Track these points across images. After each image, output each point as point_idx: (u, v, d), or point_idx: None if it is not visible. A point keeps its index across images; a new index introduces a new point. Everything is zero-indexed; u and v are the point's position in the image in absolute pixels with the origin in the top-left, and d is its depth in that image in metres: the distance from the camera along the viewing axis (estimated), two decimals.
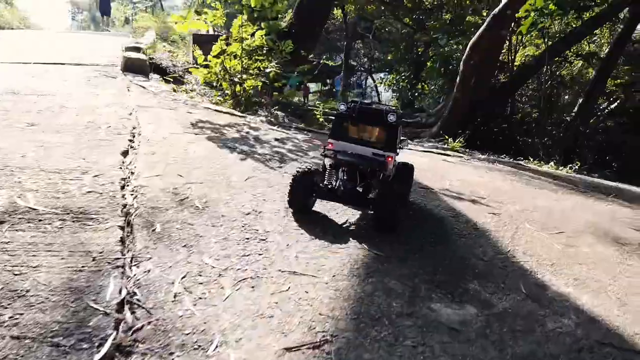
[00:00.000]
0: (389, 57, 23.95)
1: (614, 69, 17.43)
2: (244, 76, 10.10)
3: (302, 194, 3.88)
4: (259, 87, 10.81)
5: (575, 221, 5.44)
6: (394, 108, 4.28)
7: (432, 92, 21.01)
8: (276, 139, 7.29)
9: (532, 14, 14.00)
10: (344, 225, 4.00)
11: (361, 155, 3.81)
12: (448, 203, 5.29)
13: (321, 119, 14.83)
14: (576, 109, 16.51)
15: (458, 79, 14.93)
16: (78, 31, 38.41)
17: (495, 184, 6.92)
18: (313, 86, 38.93)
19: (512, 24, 15.33)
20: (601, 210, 6.28)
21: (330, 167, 4.00)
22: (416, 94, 21.74)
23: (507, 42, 17.13)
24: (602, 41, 21.34)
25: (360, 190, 3.95)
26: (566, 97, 21.14)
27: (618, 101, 17.81)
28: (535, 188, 7.15)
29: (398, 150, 4.04)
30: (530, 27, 14.00)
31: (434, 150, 9.78)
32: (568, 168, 11.37)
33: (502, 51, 15.86)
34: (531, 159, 12.46)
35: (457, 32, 16.72)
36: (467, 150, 13.44)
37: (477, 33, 14.02)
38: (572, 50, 17.43)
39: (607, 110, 17.52)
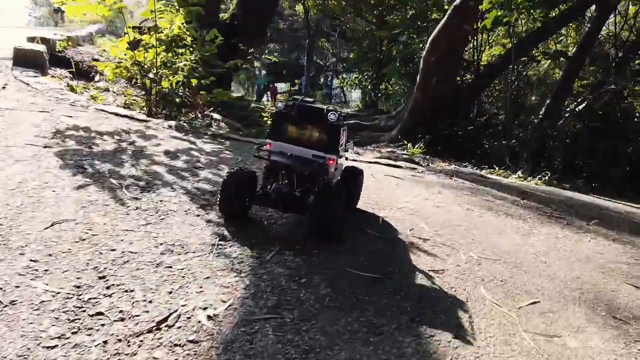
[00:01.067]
0: (351, 56, 22.16)
1: (581, 69, 15.99)
2: (160, 72, 8.14)
3: (234, 199, 3.46)
4: (190, 85, 8.92)
5: (554, 277, 3.72)
6: (335, 107, 4.05)
7: (396, 93, 19.30)
8: (167, 153, 5.42)
9: (496, 9, 12.43)
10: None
11: (299, 157, 3.49)
12: (374, 252, 3.51)
13: (269, 122, 13.03)
14: (543, 110, 14.95)
15: (418, 77, 13.25)
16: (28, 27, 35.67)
17: (447, 212, 5.21)
18: (283, 86, 37.07)
19: (477, 18, 13.70)
20: (585, 251, 4.59)
21: (266, 170, 3.65)
22: (379, 95, 19.99)
23: (474, 40, 15.49)
24: (569, 41, 19.92)
25: (298, 195, 3.52)
26: (533, 97, 19.65)
27: (585, 102, 16.33)
28: (499, 215, 5.45)
29: (342, 153, 3.80)
30: (495, 21, 12.40)
31: (382, 161, 7.98)
32: (537, 179, 9.70)
33: (466, 49, 14.22)
34: (496, 168, 10.79)
35: (419, 28, 15.00)
36: (427, 157, 11.75)
37: (438, 26, 12.32)
38: (539, 49, 15.88)
39: (574, 112, 16.00)
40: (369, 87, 19.71)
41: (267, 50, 41.60)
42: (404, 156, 11.87)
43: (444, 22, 12.13)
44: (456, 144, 13.53)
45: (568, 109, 15.42)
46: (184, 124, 7.46)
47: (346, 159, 4.28)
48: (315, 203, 3.30)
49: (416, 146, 12.59)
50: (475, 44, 15.64)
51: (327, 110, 3.54)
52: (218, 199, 3.51)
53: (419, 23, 15.09)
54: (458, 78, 14.74)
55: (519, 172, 10.51)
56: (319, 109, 3.59)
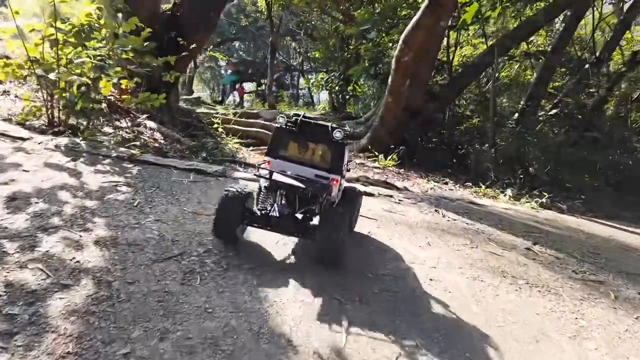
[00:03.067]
0: (316, 55, 20.12)
1: (555, 71, 14.40)
2: (61, 70, 5.96)
3: (231, 221, 3.17)
4: (95, 88, 6.76)
5: None
6: (340, 124, 3.75)
7: (365, 95, 17.36)
8: (13, 199, 3.33)
9: (478, 1, 10.61)
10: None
11: (302, 176, 3.15)
12: None
13: (219, 130, 10.88)
14: (516, 115, 13.24)
15: (390, 79, 11.32)
16: None
17: (448, 293, 3.33)
18: (250, 86, 34.70)
19: (453, 15, 11.88)
20: None
21: (265, 189, 3.32)
22: (347, 97, 18.00)
23: (446, 39, 13.68)
24: (539, 42, 18.22)
25: (300, 217, 3.30)
26: (504, 100, 17.99)
27: (559, 106, 14.69)
28: (519, 288, 3.59)
29: (344, 172, 3.45)
30: (476, 16, 10.58)
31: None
32: (533, 202, 7.89)
33: (440, 49, 12.38)
34: (482, 186, 8.95)
35: (390, 25, 13.06)
36: (401, 171, 9.82)
37: (411, 23, 10.41)
38: (518, 48, 14.19)
39: (548, 115, 14.33)
40: (336, 88, 17.69)
41: (227, 48, 38.93)
42: (376, 170, 9.96)
43: (417, 19, 10.24)
44: (431, 153, 11.68)
45: (542, 113, 13.81)
46: (83, 141, 5.30)
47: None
48: (324, 228, 3.05)
49: (389, 158, 10.69)
50: (448, 43, 13.83)
51: (332, 128, 3.25)
52: (213, 222, 3.21)
53: (389, 20, 13.16)
54: (432, 80, 12.90)
55: (509, 191, 8.70)
56: (324, 125, 3.29)
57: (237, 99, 30.86)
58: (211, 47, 37.65)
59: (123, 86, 7.21)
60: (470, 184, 9.46)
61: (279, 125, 3.33)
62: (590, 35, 15.04)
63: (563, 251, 4.86)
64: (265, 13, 22.86)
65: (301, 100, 29.18)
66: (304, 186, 3.08)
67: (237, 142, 10.82)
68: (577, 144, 12.51)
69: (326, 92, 20.76)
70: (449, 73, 13.31)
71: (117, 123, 8.35)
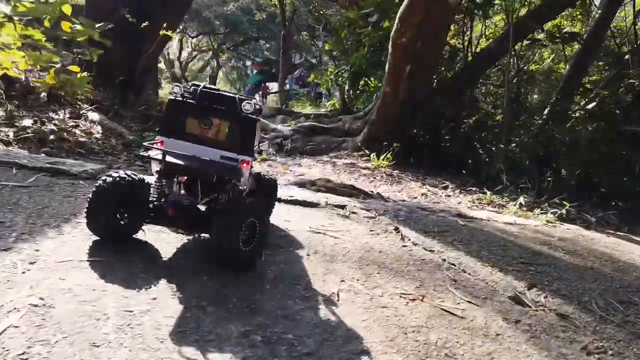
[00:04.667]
0: (326, 48, 18.39)
1: (593, 61, 12.12)
2: None
3: (108, 215, 2.54)
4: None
5: None
6: (251, 97, 2.93)
7: (377, 89, 15.47)
8: None
9: None
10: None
11: (203, 158, 2.56)
12: None
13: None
14: (547, 110, 11.07)
15: (387, 66, 9.51)
16: None
17: None
18: (275, 86, 33.35)
19: None
20: None
21: (158, 175, 2.69)
22: (358, 92, 16.17)
23: (465, 20, 11.73)
24: (573, 28, 15.64)
25: (203, 209, 2.71)
26: (535, 96, 15.64)
27: (596, 100, 12.35)
28: None
29: (256, 155, 2.86)
30: None
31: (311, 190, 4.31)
32: (549, 214, 5.94)
33: (449, 30, 10.46)
34: (487, 193, 7.05)
35: (394, 5, 11.19)
36: (394, 172, 8.02)
37: None
38: (544, 31, 12.03)
39: (585, 109, 12.02)
40: (346, 82, 15.91)
41: (252, 48, 37.96)
42: (365, 172, 8.20)
43: None
44: (438, 152, 9.78)
45: (576, 107, 11.53)
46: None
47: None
48: (221, 219, 2.45)
49: (382, 157, 8.90)
50: (464, 26, 11.84)
51: (240, 99, 2.67)
52: (85, 216, 2.51)
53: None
54: (442, 68, 10.98)
55: (521, 199, 6.75)
56: (230, 97, 2.70)
57: (263, 99, 29.73)
58: (232, 46, 36.63)
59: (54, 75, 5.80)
60: (477, 188, 7.55)
61: (173, 97, 2.70)
62: (630, 25, 12.69)
63: (574, 300, 3.03)
64: (277, 4, 21.39)
65: (324, 99, 27.58)
66: (205, 168, 2.55)
67: None
68: (613, 141, 10.28)
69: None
70: (464, 60, 11.33)
71: (53, 114, 6.98)
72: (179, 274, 2.46)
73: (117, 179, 2.55)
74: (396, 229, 4.01)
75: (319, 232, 3.56)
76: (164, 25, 8.81)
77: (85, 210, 2.51)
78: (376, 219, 4.29)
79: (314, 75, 18.04)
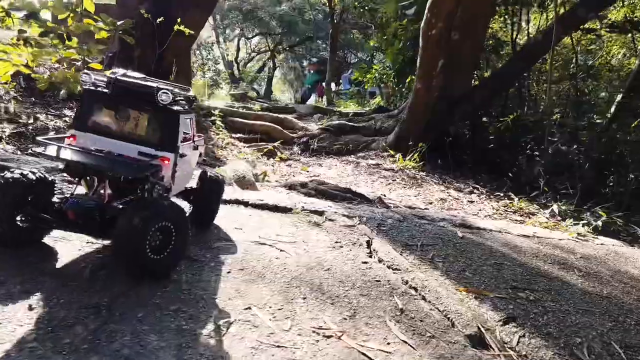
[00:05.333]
0: (371, 44, 17.71)
1: None
2: None
3: (3, 218, 2.24)
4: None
5: None
6: (181, 86, 2.74)
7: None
8: None
9: None
10: None
11: (111, 154, 2.32)
12: None
13: (217, 122, 9.06)
14: (613, 108, 9.79)
15: (418, 60, 8.79)
16: None
17: None
18: (332, 86, 33.10)
19: None
20: None
21: (68, 174, 2.60)
22: (404, 90, 15.35)
23: (511, 11, 10.73)
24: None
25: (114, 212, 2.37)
26: (602, 94, 14.06)
27: None
28: None
29: (187, 151, 2.63)
30: None
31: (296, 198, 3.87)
32: (581, 225, 5.07)
33: (489, 19, 9.51)
34: (515, 199, 6.24)
35: None
36: (419, 175, 7.35)
37: None
38: (601, 21, 10.73)
39: None
40: (392, 79, 15.15)
41: (309, 49, 37.80)
42: (387, 173, 7.59)
43: None
44: (473, 153, 8.94)
45: None
46: None
47: (204, 161, 3.40)
48: (124, 222, 2.13)
49: (407, 157, 8.22)
50: (513, 17, 10.79)
51: (157, 89, 2.35)
52: None
53: None
54: (478, 61, 10.03)
55: (555, 207, 5.87)
56: (146, 86, 2.41)
57: (319, 99, 29.46)
58: (288, 47, 36.62)
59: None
60: (511, 193, 6.72)
61: (86, 87, 2.46)
62: None
63: (561, 342, 2.35)
64: (327, 1, 20.88)
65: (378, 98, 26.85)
66: (113, 166, 2.28)
67: (231, 137, 9.03)
68: None
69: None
70: (514, 53, 10.28)
71: (68, 112, 6.99)
72: (45, 288, 2.07)
73: (15, 177, 2.28)
74: (368, 241, 3.43)
75: (265, 244, 3.06)
76: (188, 22, 8.61)
77: None
78: (354, 228, 3.73)
79: (357, 73, 17.41)
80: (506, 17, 10.88)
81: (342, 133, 9.99)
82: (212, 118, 9.13)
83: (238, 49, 35.33)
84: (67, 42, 5.96)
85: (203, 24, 11.31)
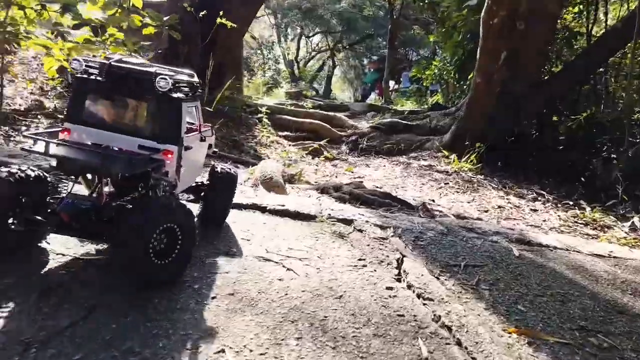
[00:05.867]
0: (430, 39, 16.79)
1: None
2: None
3: None
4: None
5: None
6: (180, 71, 2.45)
7: None
8: None
9: None
10: None
11: (108, 149, 2.11)
12: None
13: (264, 120, 8.70)
14: None
15: (478, 53, 7.99)
16: None
17: None
18: (391, 84, 32.35)
19: None
20: None
21: (58, 172, 2.32)
22: (464, 87, 14.39)
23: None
24: None
25: (112, 213, 2.15)
26: None
27: None
28: None
29: (192, 143, 2.39)
30: None
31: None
32: None
33: (562, 4, 8.45)
34: (587, 209, 5.38)
35: None
36: (477, 178, 6.62)
37: None
38: None
39: None
40: (451, 75, 14.23)
41: (369, 47, 37.18)
42: (440, 175, 6.90)
43: None
44: (539, 155, 7.99)
45: None
46: None
47: (214, 152, 2.92)
48: (124, 223, 1.93)
49: (463, 159, 7.46)
50: (588, 7, 9.62)
51: (155, 75, 2.11)
52: None
53: None
54: (548, 54, 8.97)
55: (636, 219, 4.97)
56: (143, 72, 2.18)
57: (378, 97, 28.84)
58: (348, 45, 36.06)
59: None
60: (582, 202, 5.83)
61: (78, 75, 2.18)
62: None
63: None
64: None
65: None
66: (107, 163, 1.97)
67: (277, 135, 8.65)
68: None
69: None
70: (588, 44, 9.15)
71: None
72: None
73: (2, 176, 2.03)
74: (399, 259, 2.84)
75: (271, 260, 2.56)
76: (235, 17, 8.33)
77: None
78: (385, 241, 3.15)
79: (415, 69, 16.58)
80: (581, 6, 9.73)
81: (393, 132, 9.34)
82: (259, 115, 8.78)
83: (298, 48, 35.29)
84: (102, 35, 5.79)
85: (251, 19, 11.06)
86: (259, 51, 33.67)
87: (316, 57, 42.00)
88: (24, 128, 5.19)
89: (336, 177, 6.71)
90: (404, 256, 2.91)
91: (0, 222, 2.06)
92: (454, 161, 7.50)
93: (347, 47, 37.09)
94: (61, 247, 2.31)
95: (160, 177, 2.21)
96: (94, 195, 2.26)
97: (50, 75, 5.89)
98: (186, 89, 2.35)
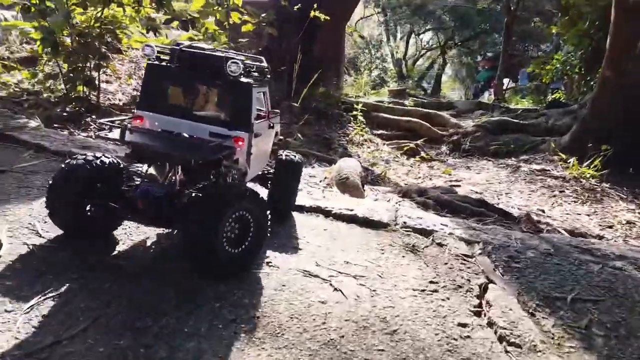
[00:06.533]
0: (552, 31, 15.06)
1: None
2: None
3: (70, 206, 2.02)
4: None
5: None
6: (248, 55, 2.46)
7: None
8: None
9: None
10: None
11: (181, 137, 2.11)
12: None
13: (359, 118, 8.27)
14: None
15: (607, 41, 6.81)
16: None
17: None
18: (506, 81, 30.37)
19: None
20: None
21: (129, 159, 2.25)
22: (591, 83, 12.74)
23: None
24: None
25: (185, 200, 2.09)
26: None
27: None
28: None
29: (261, 130, 2.33)
30: None
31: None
32: None
33: None
34: None
35: None
36: (602, 186, 5.64)
37: None
38: None
39: None
40: (576, 70, 12.63)
41: (482, 43, 35.23)
42: (555, 182, 5.98)
43: None
44: None
45: None
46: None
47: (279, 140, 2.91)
48: (193, 211, 1.87)
49: (585, 163, 6.39)
50: None
51: (226, 59, 2.09)
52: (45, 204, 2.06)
53: None
54: None
55: None
56: (214, 57, 2.14)
57: (492, 96, 27.20)
58: (460, 42, 34.25)
59: None
60: None
61: (150, 62, 2.19)
62: None
63: None
64: None
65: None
66: (182, 151, 1.97)
67: (372, 133, 8.19)
68: None
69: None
70: None
71: None
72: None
73: (79, 163, 2.04)
74: (483, 285, 2.25)
75: (318, 276, 2.13)
76: (333, 12, 8.03)
77: (45, 199, 2.05)
78: (469, 260, 2.56)
79: (533, 65, 15.04)
80: None
81: (502, 131, 8.37)
82: (353, 113, 8.37)
83: (407, 46, 34.39)
84: (191, 29, 5.80)
85: (349, 14, 10.69)
86: (366, 50, 33.38)
87: (425, 55, 40.82)
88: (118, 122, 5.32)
89: (430, 179, 6.08)
90: (490, 281, 2.31)
91: (78, 207, 2.07)
92: (573, 165, 6.43)
93: (459, 43, 35.40)
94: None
95: (231, 165, 2.17)
96: (166, 182, 2.19)
97: None
98: (255, 74, 2.29)
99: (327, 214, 2.97)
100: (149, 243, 2.29)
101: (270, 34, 8.16)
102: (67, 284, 1.81)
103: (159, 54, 2.22)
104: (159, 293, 1.82)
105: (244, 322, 1.72)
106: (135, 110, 2.31)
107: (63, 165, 2.07)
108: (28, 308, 1.61)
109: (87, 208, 2.10)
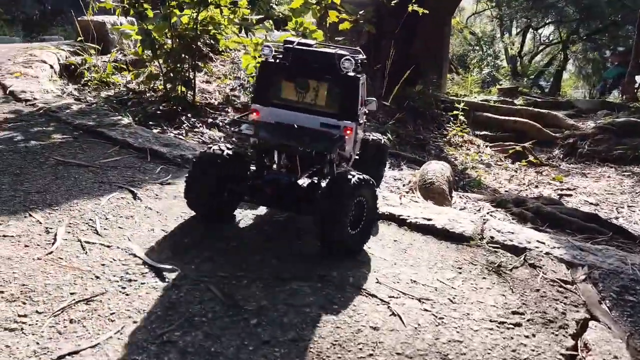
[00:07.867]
0: None
1: None
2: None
3: (204, 193, 2.26)
4: None
5: None
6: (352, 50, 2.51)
7: None
8: None
9: None
10: None
11: (301, 129, 2.28)
12: None
13: (459, 117, 7.74)
14: None
15: None
16: None
17: None
18: (639, 79, 27.24)
19: None
20: None
21: (254, 150, 2.44)
22: None
23: None
24: None
25: (306, 186, 2.39)
26: None
27: None
28: None
29: (362, 119, 2.50)
30: None
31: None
32: None
33: None
34: None
35: None
36: None
37: None
38: None
39: None
40: None
41: (612, 37, 31.85)
42: None
43: None
44: None
45: None
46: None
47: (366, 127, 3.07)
48: (326, 202, 2.06)
49: None
50: None
51: (339, 56, 2.23)
52: (185, 193, 2.27)
53: None
54: None
55: None
56: (326, 54, 2.30)
57: (621, 95, 24.65)
58: (585, 35, 31.06)
59: None
60: None
61: (265, 59, 2.39)
62: None
63: None
64: None
65: None
66: (301, 141, 2.17)
67: (474, 134, 7.62)
68: None
69: None
70: None
71: None
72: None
73: (217, 152, 2.26)
74: (581, 322, 1.83)
75: (376, 296, 1.87)
76: (436, 6, 7.61)
77: (184, 187, 2.27)
78: (569, 287, 2.12)
79: None
80: None
81: (629, 134, 7.31)
82: (454, 112, 7.84)
83: (523, 42, 32.08)
84: (283, 27, 5.76)
85: (453, 9, 10.05)
86: (477, 47, 31.78)
87: (544, 52, 37.86)
88: (210, 120, 5.45)
89: (536, 187, 5.44)
90: (592, 317, 1.88)
91: (215, 192, 2.26)
92: None
93: (585, 37, 32.20)
94: None
95: (340, 153, 2.34)
96: (285, 170, 2.39)
97: (249, 72, 6.13)
98: (359, 67, 2.39)
99: (400, 222, 2.68)
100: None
101: (368, 32, 7.96)
102: (104, 289, 1.75)
103: (275, 53, 2.36)
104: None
105: (278, 345, 1.52)
106: (250, 105, 2.46)
107: (201, 155, 2.27)
108: (58, 310, 1.57)
109: (224, 194, 2.32)
